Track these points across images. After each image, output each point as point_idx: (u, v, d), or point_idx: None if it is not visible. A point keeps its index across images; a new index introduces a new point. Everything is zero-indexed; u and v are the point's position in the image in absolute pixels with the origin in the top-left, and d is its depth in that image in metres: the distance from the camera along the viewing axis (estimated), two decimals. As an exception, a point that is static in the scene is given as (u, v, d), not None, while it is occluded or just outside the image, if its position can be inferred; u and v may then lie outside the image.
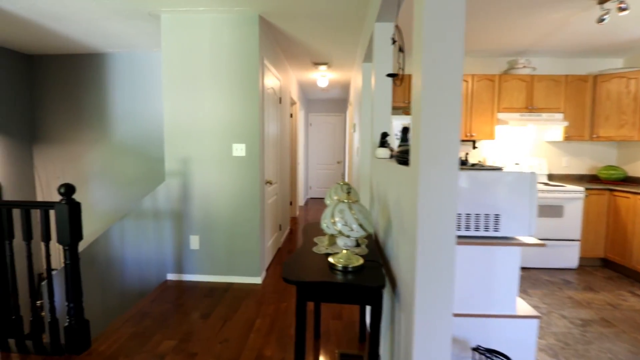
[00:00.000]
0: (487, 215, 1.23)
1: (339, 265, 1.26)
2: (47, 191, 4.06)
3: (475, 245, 1.24)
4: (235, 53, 2.67)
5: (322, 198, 7.48)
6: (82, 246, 4.08)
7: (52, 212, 1.81)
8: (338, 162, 7.37)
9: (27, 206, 1.85)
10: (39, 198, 4.10)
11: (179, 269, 2.87)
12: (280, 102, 3.74)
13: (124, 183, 3.98)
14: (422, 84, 0.89)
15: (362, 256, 1.36)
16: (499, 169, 1.29)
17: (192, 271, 2.85)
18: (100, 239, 2.95)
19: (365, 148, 3.02)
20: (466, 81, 3.61)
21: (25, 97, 3.92)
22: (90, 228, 4.08)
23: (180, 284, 2.79)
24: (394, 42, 1.66)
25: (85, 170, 4.00)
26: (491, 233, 1.24)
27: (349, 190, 1.30)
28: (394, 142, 2.79)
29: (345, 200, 1.25)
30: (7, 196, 3.74)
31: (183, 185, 2.78)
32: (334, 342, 1.96)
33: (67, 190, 1.77)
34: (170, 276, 2.88)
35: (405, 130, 1.35)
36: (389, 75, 1.44)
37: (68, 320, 1.87)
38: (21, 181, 3.91)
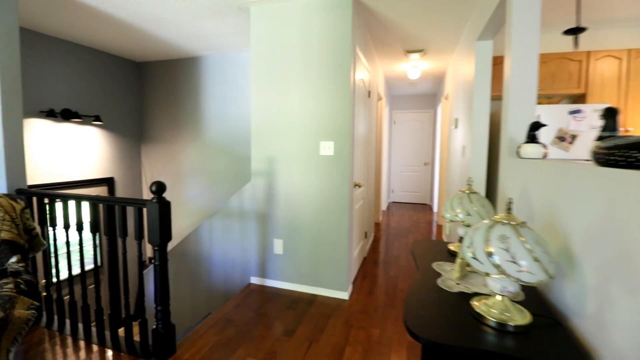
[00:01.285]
0: None
1: (492, 320, 0.83)
2: (151, 187, 4.43)
3: None
4: (326, 41, 2.40)
5: (406, 202, 6.88)
6: (176, 241, 4.34)
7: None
8: (425, 164, 6.68)
9: (123, 203, 1.84)
10: (144, 193, 4.50)
11: (263, 273, 2.73)
12: (369, 95, 3.38)
13: (214, 181, 4.10)
14: None
15: (518, 303, 0.91)
16: None
17: (276, 277, 2.68)
18: (191, 235, 2.99)
19: (479, 146, 2.46)
20: (618, 58, 2.73)
21: (136, 101, 4.34)
22: (186, 222, 4.33)
23: (263, 290, 2.64)
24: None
25: (182, 167, 4.24)
26: None
27: (509, 206, 0.86)
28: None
29: (508, 222, 0.82)
30: (119, 190, 4.18)
31: (268, 186, 2.63)
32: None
33: (158, 188, 1.69)
34: (254, 280, 2.76)
35: (611, 114, 0.85)
36: (570, 32, 0.94)
37: (155, 323, 1.81)
38: (131, 177, 4.33)
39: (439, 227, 4.79)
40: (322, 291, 2.54)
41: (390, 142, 6.82)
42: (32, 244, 1.85)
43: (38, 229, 1.93)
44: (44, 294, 2.23)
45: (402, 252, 3.68)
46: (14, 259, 1.63)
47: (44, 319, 2.20)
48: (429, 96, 6.58)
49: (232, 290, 2.85)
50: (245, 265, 2.79)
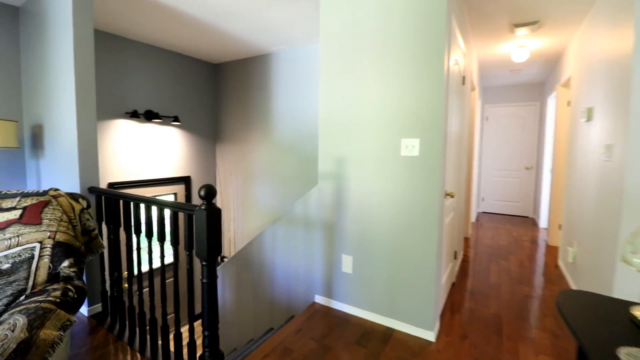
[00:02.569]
0: None
1: None
2: (224, 186, 4.45)
3: None
4: (412, 13, 1.89)
5: (500, 214, 5.80)
6: (242, 244, 4.26)
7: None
8: (527, 169, 5.53)
9: (174, 207, 1.64)
10: (218, 193, 4.55)
11: (329, 293, 2.34)
12: (463, 82, 2.73)
13: (282, 182, 3.89)
14: None
15: None
16: None
17: (343, 299, 2.27)
18: (255, 241, 2.77)
19: (647, 143, 1.67)
20: None
21: (212, 101, 4.40)
22: (254, 224, 4.23)
23: (328, 313, 2.25)
24: None
25: (252, 167, 4.14)
26: None
27: None
28: None
29: None
30: (195, 189, 4.26)
31: (336, 191, 2.23)
32: None
33: (207, 193, 1.42)
34: (319, 299, 2.39)
35: None
36: None
37: (202, 350, 1.56)
38: (206, 176, 4.40)
39: (550, 249, 3.79)
40: (400, 325, 2.03)
41: (481, 142, 5.84)
42: (90, 246, 1.77)
43: (100, 229, 1.86)
44: (111, 292, 2.20)
45: (503, 279, 2.91)
46: (66, 263, 1.54)
47: (109, 320, 2.16)
48: (534, 85, 5.43)
49: (295, 306, 2.54)
50: (310, 281, 2.44)
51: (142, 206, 1.79)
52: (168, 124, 3.81)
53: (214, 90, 4.41)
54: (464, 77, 2.75)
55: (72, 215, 1.65)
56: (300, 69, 3.63)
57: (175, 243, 1.69)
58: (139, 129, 3.53)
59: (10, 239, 1.50)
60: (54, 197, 1.65)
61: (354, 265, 2.19)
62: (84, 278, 2.19)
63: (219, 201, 4.54)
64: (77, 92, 2.07)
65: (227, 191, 4.40)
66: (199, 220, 1.44)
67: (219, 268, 3.13)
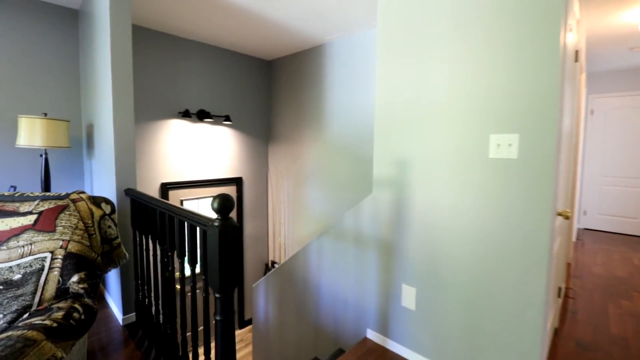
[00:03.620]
0: None
1: None
2: (276, 189, 4.23)
3: None
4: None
5: (609, 232, 4.61)
6: (291, 252, 3.96)
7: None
8: (651, 174, 4.28)
9: (189, 219, 1.34)
10: (269, 196, 4.35)
11: (384, 329, 1.87)
12: (576, 58, 2.02)
13: (334, 187, 3.50)
14: None
15: None
16: None
17: (402, 340, 1.78)
18: (300, 255, 2.42)
19: None
20: None
21: (264, 100, 4.21)
22: (305, 231, 3.92)
23: (384, 355, 1.79)
24: None
25: (304, 169, 3.83)
26: None
27: None
28: None
29: None
30: (247, 190, 4.11)
31: (395, 203, 1.75)
32: None
33: (222, 205, 1.09)
34: (372, 334, 1.94)
35: None
36: None
37: (215, 404, 1.23)
38: (258, 177, 4.23)
39: (699, 287, 2.74)
40: (481, 391, 1.48)
41: (584, 142, 4.72)
42: (111, 256, 1.58)
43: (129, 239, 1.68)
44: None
45: (630, 329, 2.11)
46: (75, 278, 1.34)
47: (140, 333, 2.00)
48: (664, 68, 4.18)
49: (343, 338, 2.12)
50: (361, 311, 2.00)
51: (159, 212, 1.55)
52: (219, 123, 3.69)
53: (267, 88, 4.21)
54: (577, 52, 2.03)
55: (89, 222, 1.47)
56: (356, 60, 3.20)
57: (192, 261, 1.40)
58: (191, 129, 3.46)
59: (23, 246, 1.36)
60: (74, 201, 1.49)
61: (417, 300, 1.69)
62: (118, 283, 2.07)
63: (270, 204, 4.33)
64: (113, 91, 1.94)
65: (279, 194, 4.17)
66: (211, 240, 1.11)
67: (264, 278, 2.86)
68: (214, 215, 1.16)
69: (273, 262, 4.34)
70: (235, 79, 3.83)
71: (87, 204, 1.51)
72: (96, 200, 1.56)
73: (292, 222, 4.05)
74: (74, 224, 1.43)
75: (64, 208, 1.44)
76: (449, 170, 1.55)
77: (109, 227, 1.57)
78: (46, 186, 2.32)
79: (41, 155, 2.31)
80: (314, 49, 3.61)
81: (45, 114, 2.27)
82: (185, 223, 1.37)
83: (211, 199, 3.81)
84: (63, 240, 1.38)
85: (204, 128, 3.58)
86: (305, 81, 3.73)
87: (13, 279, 1.33)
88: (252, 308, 2.99)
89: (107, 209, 1.59)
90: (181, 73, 3.34)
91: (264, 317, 2.88)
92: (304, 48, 3.69)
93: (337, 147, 3.43)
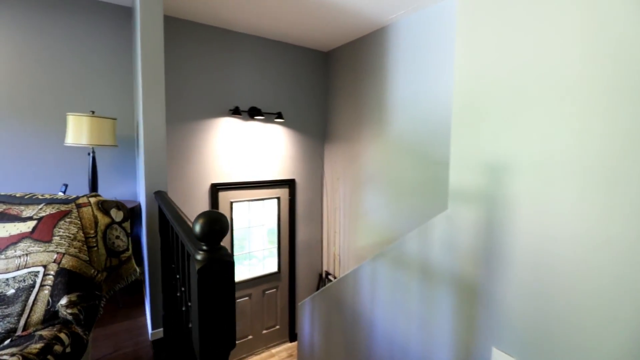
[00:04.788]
0: None
1: None
2: (331, 193, 3.84)
3: None
4: None
5: None
6: (347, 264, 3.51)
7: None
8: None
9: (182, 238, 1.00)
10: (324, 200, 3.98)
11: (458, 400, 1.32)
12: None
13: (397, 193, 2.95)
14: None
15: None
16: None
17: None
18: (349, 278, 1.97)
19: None
20: None
21: (320, 95, 3.85)
22: (363, 241, 3.45)
23: None
24: None
25: (362, 172, 3.36)
26: None
27: None
28: None
29: None
30: (300, 193, 3.80)
31: (484, 225, 1.19)
32: None
33: (207, 228, 0.70)
34: (439, 403, 1.39)
35: None
36: None
37: None
38: (313, 180, 3.89)
39: None
40: None
41: None
42: (119, 271, 1.34)
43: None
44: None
45: None
46: (64, 301, 1.11)
47: (163, 355, 1.77)
48: None
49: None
50: (426, 366, 1.46)
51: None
52: (271, 121, 3.44)
53: (323, 82, 3.84)
54: None
55: (91, 232, 1.25)
56: (426, 39, 2.62)
57: (185, 299, 1.06)
58: (241, 127, 3.27)
59: (20, 257, 1.19)
60: (79, 206, 1.28)
61: (518, 377, 1.11)
62: (146, 296, 1.88)
63: (324, 209, 3.96)
64: (143, 84, 1.75)
65: (334, 199, 3.77)
66: (192, 279, 0.75)
67: (309, 298, 2.48)
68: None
69: (327, 273, 3.95)
70: (289, 73, 3.54)
71: (92, 211, 1.29)
72: (105, 206, 1.34)
73: (348, 230, 3.61)
74: (73, 234, 1.21)
75: (65, 214, 1.24)
76: (581, 182, 0.95)
77: (118, 237, 1.34)
78: (93, 186, 2.28)
79: (89, 154, 2.27)
80: (374, 34, 3.12)
81: (93, 112, 2.23)
82: (180, 242, 1.04)
83: (262, 202, 3.59)
84: (58, 252, 1.17)
85: (255, 126, 3.36)
86: (365, 72, 3.26)
87: (7, 293, 1.16)
88: (298, 326, 2.64)
89: (117, 216, 1.36)
90: (231, 68, 3.16)
91: (308, 341, 2.50)
92: (364, 33, 3.21)
93: (401, 147, 2.88)
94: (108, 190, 2.56)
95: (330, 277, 3.87)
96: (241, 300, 3.48)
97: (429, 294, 1.40)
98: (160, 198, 1.62)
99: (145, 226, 1.86)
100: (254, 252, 3.61)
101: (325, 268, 4.00)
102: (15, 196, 1.33)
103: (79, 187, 2.40)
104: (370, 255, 3.25)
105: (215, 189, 3.20)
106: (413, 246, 1.47)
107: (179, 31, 2.86)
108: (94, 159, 2.27)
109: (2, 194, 1.34)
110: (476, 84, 1.21)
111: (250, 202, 3.49)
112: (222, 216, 0.73)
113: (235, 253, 3.40)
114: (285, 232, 3.75)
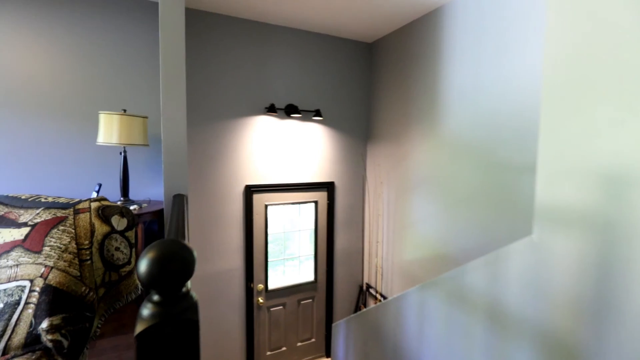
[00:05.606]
0: None
1: None
2: (374, 198, 3.49)
3: None
4: None
5: None
6: (391, 278, 3.12)
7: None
8: None
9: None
10: (366, 206, 3.64)
11: None
12: None
13: (451, 202, 2.53)
14: None
15: None
16: None
17: None
18: (390, 306, 1.64)
19: None
20: None
21: (363, 91, 3.52)
22: (409, 254, 3.06)
23: None
24: None
25: (409, 176, 2.97)
26: None
27: None
28: None
29: None
30: (339, 198, 3.51)
31: (594, 259, 0.79)
32: None
33: (161, 269, 0.45)
34: None
35: None
36: None
37: None
38: (353, 183, 3.58)
39: None
40: None
41: None
42: (118, 287, 1.17)
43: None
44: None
45: None
46: (45, 324, 0.95)
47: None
48: None
49: None
50: None
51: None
52: (308, 119, 3.20)
53: (366, 77, 3.51)
54: None
55: (85, 242, 1.09)
56: (494, 17, 2.16)
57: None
58: (277, 126, 3.07)
59: (11, 267, 1.06)
60: (77, 212, 1.13)
61: None
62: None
63: (366, 215, 3.62)
64: (162, 78, 1.60)
65: (377, 204, 3.41)
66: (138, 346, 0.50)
67: (344, 321, 2.18)
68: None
69: (368, 286, 3.61)
70: (329, 67, 3.27)
71: (90, 218, 1.13)
72: (107, 212, 1.18)
73: (392, 241, 3.24)
74: (64, 245, 1.06)
75: (59, 221, 1.10)
76: None
77: (118, 249, 1.17)
78: (124, 187, 2.23)
79: (120, 154, 2.22)
80: (426, 18, 2.71)
81: (125, 110, 2.16)
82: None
83: (299, 206, 3.36)
84: (46, 266, 1.02)
85: (292, 125, 3.14)
86: (414, 61, 2.87)
87: (-4, 309, 1.03)
88: (332, 349, 2.35)
89: (119, 224, 1.19)
90: (266, 63, 2.98)
91: (343, 367, 2.20)
92: (414, 18, 2.82)
93: (458, 146, 2.45)
94: (141, 191, 2.51)
95: (372, 291, 3.52)
96: (275, 309, 3.28)
97: (500, 348, 1.02)
98: (177, 203, 1.44)
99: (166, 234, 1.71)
100: (289, 259, 3.40)
101: (366, 280, 3.66)
102: (20, 198, 1.23)
103: (113, 188, 2.37)
104: (419, 273, 2.85)
105: (250, 191, 3.04)
106: (478, 279, 1.10)
107: (212, 25, 2.74)
108: (125, 158, 2.21)
109: (9, 195, 1.25)
110: (579, 56, 0.82)
111: (286, 206, 3.28)
112: (183, 249, 0.48)
113: (269, 259, 3.22)
114: (322, 239, 3.48)
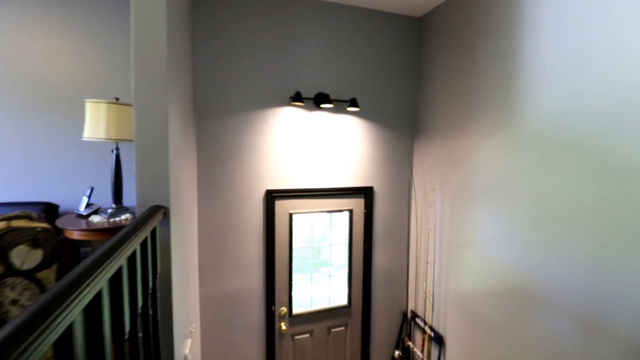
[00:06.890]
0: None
1: None
2: (422, 208, 2.85)
3: None
4: None
5: None
6: (443, 306, 2.38)
7: None
8: None
9: None
10: (413, 217, 3.00)
11: None
12: None
13: (539, 219, 1.83)
14: None
15: None
16: None
17: None
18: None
19: None
20: None
21: (409, 74, 2.89)
22: (469, 281, 2.38)
23: None
24: None
25: (472, 182, 2.30)
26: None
27: None
28: None
29: None
30: (379, 206, 2.91)
31: None
32: None
33: None
34: None
35: None
36: None
37: None
38: (396, 188, 2.97)
39: None
40: None
41: None
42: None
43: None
44: None
45: None
46: None
47: None
48: None
49: None
50: None
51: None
52: (342, 110, 2.65)
53: (414, 58, 2.87)
54: None
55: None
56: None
57: None
58: (304, 119, 2.57)
59: None
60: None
61: None
62: None
63: (412, 229, 2.98)
64: (134, 57, 1.16)
65: (427, 216, 2.77)
66: None
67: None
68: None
69: (414, 314, 2.97)
70: (367, 48, 2.70)
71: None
72: (7, 241, 0.73)
73: (446, 262, 2.58)
74: None
75: None
76: None
77: (15, 302, 0.71)
78: (116, 191, 1.85)
79: (112, 152, 1.84)
80: (503, -29, 2.04)
81: (117, 99, 1.79)
82: None
83: (330, 215, 2.82)
84: None
85: (322, 117, 2.62)
86: (479, 35, 2.20)
87: None
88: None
89: (27, 260, 0.73)
90: (291, 45, 2.48)
91: None
92: (483, -25, 2.16)
93: (551, 143, 1.75)
94: (131, 199, 2.13)
95: (419, 321, 2.88)
96: (301, 338, 2.77)
97: None
98: (151, 218, 0.98)
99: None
100: (317, 279, 2.88)
101: (411, 307, 3.02)
102: None
103: (105, 193, 2.01)
104: (482, 308, 2.17)
105: (272, 197, 2.56)
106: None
107: (226, 2, 2.31)
108: (117, 157, 1.83)
109: None
110: None
111: (315, 214, 2.76)
112: None
113: (293, 278, 2.72)
114: (358, 255, 2.91)
